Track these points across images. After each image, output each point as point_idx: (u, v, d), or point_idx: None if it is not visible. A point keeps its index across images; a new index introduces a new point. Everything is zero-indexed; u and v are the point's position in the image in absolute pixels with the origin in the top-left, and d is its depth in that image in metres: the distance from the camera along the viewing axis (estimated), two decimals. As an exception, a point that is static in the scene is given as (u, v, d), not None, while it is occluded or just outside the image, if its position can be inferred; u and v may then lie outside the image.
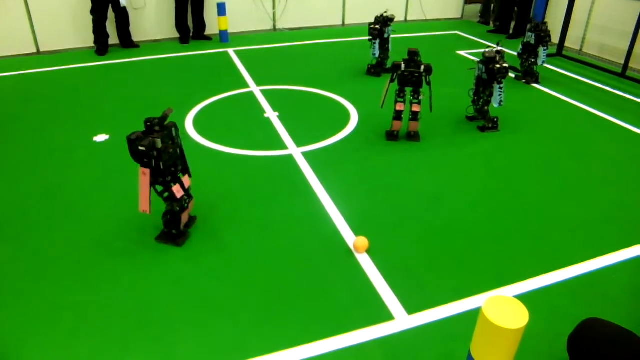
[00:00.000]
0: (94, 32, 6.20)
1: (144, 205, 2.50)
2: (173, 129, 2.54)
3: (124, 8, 6.24)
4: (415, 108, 3.73)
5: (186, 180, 2.68)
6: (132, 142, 2.39)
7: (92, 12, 6.08)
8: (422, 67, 3.65)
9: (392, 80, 3.72)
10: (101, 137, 3.92)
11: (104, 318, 2.19)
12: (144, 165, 2.42)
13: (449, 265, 2.56)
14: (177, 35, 6.92)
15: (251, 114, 4.46)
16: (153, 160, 2.41)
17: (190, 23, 6.91)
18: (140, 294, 2.33)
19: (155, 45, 6.78)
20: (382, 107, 3.83)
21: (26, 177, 3.34)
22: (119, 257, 2.58)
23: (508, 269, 2.53)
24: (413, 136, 3.88)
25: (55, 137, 3.93)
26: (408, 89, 3.76)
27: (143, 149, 2.36)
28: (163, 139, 2.44)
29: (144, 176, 2.43)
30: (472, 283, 2.42)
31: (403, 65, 3.67)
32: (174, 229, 2.67)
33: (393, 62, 3.70)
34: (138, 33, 6.73)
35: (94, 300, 2.29)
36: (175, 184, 2.58)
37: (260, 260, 2.57)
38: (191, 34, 6.98)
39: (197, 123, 4.21)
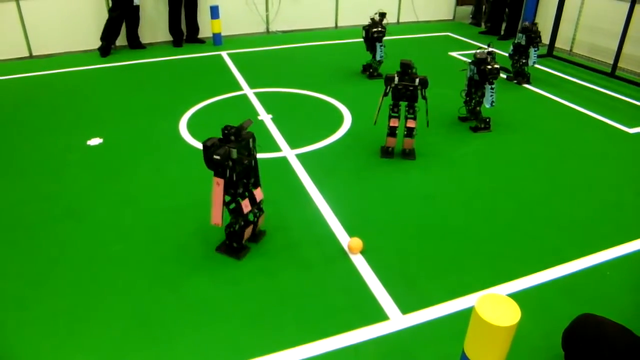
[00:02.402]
0: (108, 28, 6.10)
1: (216, 217, 2.40)
2: (251, 140, 2.44)
3: (137, 7, 6.22)
4: (410, 124, 3.53)
5: (258, 193, 2.60)
6: (208, 149, 2.30)
7: (113, 9, 6.03)
8: (417, 81, 3.44)
9: (385, 94, 3.54)
10: (95, 141, 3.92)
11: (101, 321, 2.19)
12: (217, 174, 2.33)
13: (442, 264, 2.58)
14: (170, 38, 6.92)
15: (245, 116, 4.43)
16: (228, 171, 2.33)
17: (183, 26, 6.91)
18: (136, 296, 2.33)
19: (149, 48, 6.77)
20: (375, 123, 3.64)
21: (20, 181, 3.33)
22: (114, 260, 2.58)
23: (501, 268, 2.56)
24: (408, 154, 3.68)
25: (49, 141, 3.91)
26: (403, 104, 3.55)
27: (218, 157, 2.26)
28: (239, 149, 2.34)
29: (217, 186, 2.33)
30: (465, 282, 2.45)
31: (396, 79, 3.47)
32: (236, 242, 2.58)
33: (385, 75, 3.52)
34: (131, 36, 6.72)
35: (90, 303, 2.29)
36: (244, 199, 2.49)
37: (255, 261, 2.57)
38: (184, 37, 6.98)
39: (190, 126, 4.22)
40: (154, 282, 2.43)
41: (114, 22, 6.09)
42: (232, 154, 2.31)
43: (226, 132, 2.36)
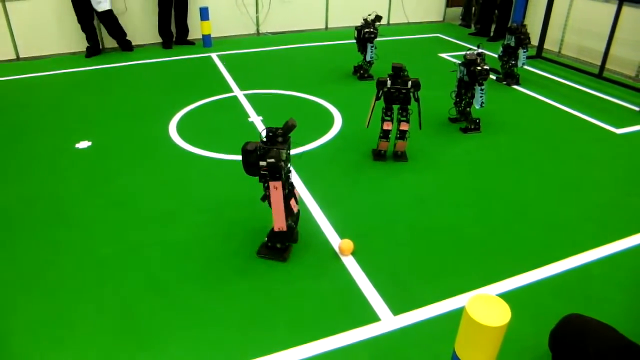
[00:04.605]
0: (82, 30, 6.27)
1: (279, 222, 2.35)
2: (289, 141, 2.42)
3: (109, 12, 6.15)
4: (403, 127, 3.50)
5: (296, 192, 2.57)
6: (249, 153, 2.22)
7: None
8: (409, 83, 3.40)
9: (377, 98, 3.49)
10: (83, 144, 3.88)
11: (89, 326, 2.16)
12: (262, 178, 2.27)
13: (433, 265, 2.59)
14: (159, 40, 6.88)
15: (235, 118, 4.45)
16: (282, 172, 2.27)
17: (173, 28, 6.87)
18: (125, 300, 2.31)
19: (138, 50, 6.72)
20: (367, 126, 3.59)
21: (8, 184, 3.29)
22: (103, 264, 2.55)
23: (491, 268, 2.57)
24: (400, 156, 3.67)
25: (37, 144, 3.87)
26: (395, 107, 3.50)
27: (272, 160, 2.22)
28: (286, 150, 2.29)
29: (275, 190, 2.26)
30: (456, 283, 2.45)
31: (389, 82, 3.42)
32: (280, 243, 2.53)
33: (377, 79, 3.47)
34: (120, 38, 6.67)
35: (79, 308, 2.26)
36: (291, 198, 2.44)
37: (247, 264, 2.56)
38: (174, 39, 6.95)
39: (180, 128, 4.19)
40: (144, 286, 2.40)
41: (80, 24, 6.19)
42: (282, 155, 2.25)
43: (271, 134, 2.30)
